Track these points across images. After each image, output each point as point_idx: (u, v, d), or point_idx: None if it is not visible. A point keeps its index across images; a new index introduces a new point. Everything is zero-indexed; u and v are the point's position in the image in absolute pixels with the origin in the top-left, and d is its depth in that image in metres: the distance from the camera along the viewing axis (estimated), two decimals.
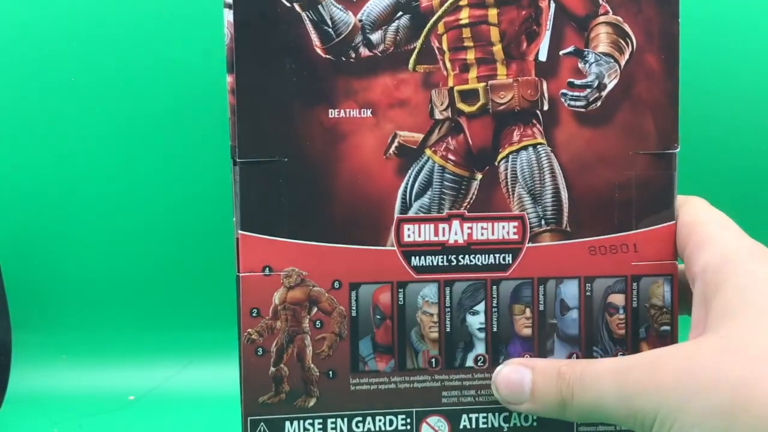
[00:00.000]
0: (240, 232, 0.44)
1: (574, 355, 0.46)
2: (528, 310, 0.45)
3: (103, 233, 0.65)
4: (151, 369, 0.66)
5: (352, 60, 0.44)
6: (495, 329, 0.45)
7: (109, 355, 0.66)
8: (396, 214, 0.44)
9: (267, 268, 0.44)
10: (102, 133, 0.63)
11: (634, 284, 0.45)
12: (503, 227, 0.45)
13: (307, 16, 0.43)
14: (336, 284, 0.44)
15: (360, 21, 0.44)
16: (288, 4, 0.43)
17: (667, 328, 0.46)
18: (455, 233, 0.45)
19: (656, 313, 0.45)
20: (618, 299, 0.46)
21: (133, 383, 0.65)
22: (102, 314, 0.66)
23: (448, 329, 0.45)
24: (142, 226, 0.64)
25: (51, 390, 0.66)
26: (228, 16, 0.43)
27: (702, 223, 0.43)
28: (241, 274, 0.44)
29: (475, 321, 0.45)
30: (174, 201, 0.62)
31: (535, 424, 0.46)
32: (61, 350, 0.66)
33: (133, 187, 0.63)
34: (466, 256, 0.45)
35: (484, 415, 0.46)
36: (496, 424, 0.46)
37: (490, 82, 0.44)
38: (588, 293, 0.45)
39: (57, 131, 0.64)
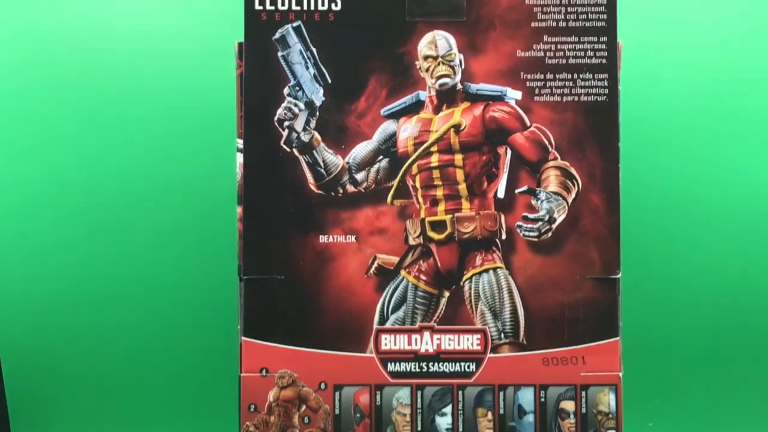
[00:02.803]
0: (243, 338, 0.51)
1: None
2: (490, 413, 0.51)
3: (118, 340, 0.70)
4: None
5: (340, 195, 0.52)
6: (461, 430, 0.51)
7: None
8: (375, 326, 0.52)
9: (264, 370, 0.51)
10: (119, 254, 0.70)
11: (583, 392, 0.51)
12: (468, 339, 0.52)
13: (304, 159, 0.52)
14: (322, 385, 0.51)
15: (347, 163, 0.52)
16: (288, 150, 0.52)
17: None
18: (426, 343, 0.52)
19: (603, 419, 0.51)
20: (569, 405, 0.51)
21: None
22: (110, 411, 0.70)
23: (419, 429, 0.51)
24: (156, 333, 0.70)
25: None
26: (239, 158, 0.52)
27: None
28: (242, 375, 0.51)
29: (443, 422, 0.52)
30: (186, 311, 0.70)
31: None
32: None
33: (151, 294, 0.70)
34: (436, 364, 0.52)
35: None
36: None
37: (456, 214, 0.52)
38: (542, 399, 0.51)
39: (71, 260, 0.70)
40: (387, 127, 0.52)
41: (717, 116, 0.69)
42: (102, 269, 0.70)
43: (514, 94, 0.52)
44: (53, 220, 0.70)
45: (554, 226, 0.51)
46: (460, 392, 0.51)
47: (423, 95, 0.52)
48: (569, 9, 0.52)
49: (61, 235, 0.69)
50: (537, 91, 0.52)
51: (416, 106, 0.53)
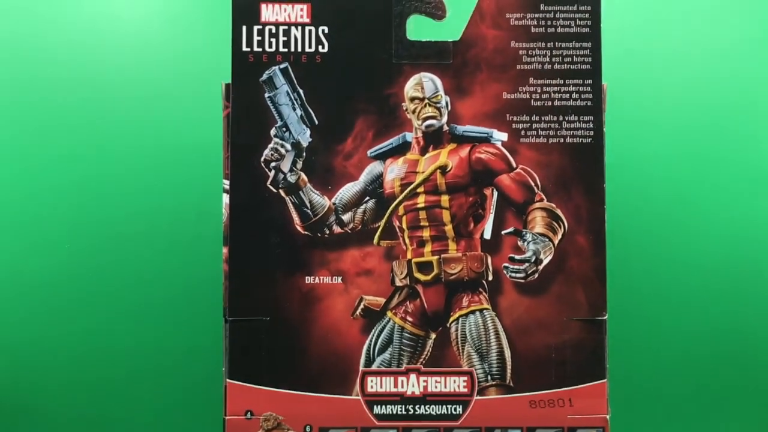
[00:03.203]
0: (228, 380, 0.51)
1: None
2: None
3: (102, 381, 0.70)
4: None
5: (326, 236, 0.52)
6: None
7: None
8: (361, 368, 0.51)
9: (249, 413, 0.51)
10: (104, 294, 0.70)
11: None
12: (454, 381, 0.51)
13: (290, 200, 0.52)
14: (308, 428, 0.51)
15: (334, 204, 0.52)
16: (274, 190, 0.52)
17: None
18: (413, 385, 0.51)
19: None
20: None
21: None
22: None
23: None
24: (140, 375, 0.70)
25: None
26: (225, 199, 0.52)
27: None
28: (227, 417, 0.51)
29: None
30: (170, 353, 0.69)
31: None
32: None
33: (136, 335, 0.69)
34: (422, 406, 0.51)
35: None
36: None
37: (442, 255, 0.52)
38: None
39: (55, 300, 0.69)
40: (373, 168, 0.53)
41: (702, 158, 0.70)
42: (86, 308, 0.69)
43: (500, 136, 0.52)
44: (39, 261, 0.69)
45: (541, 267, 0.51)
46: None
47: (409, 136, 0.53)
48: (554, 52, 0.52)
49: (45, 275, 0.69)
50: (523, 132, 0.52)
51: (403, 148, 0.53)
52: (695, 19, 0.72)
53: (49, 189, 0.70)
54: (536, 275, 0.51)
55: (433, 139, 0.53)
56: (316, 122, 0.52)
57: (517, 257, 0.51)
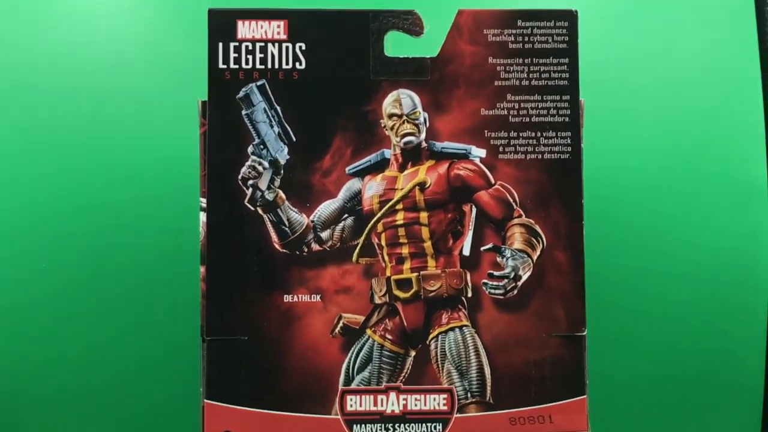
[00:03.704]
0: (206, 400, 0.50)
1: None
2: None
3: (80, 403, 0.69)
4: None
5: (304, 254, 0.52)
6: None
7: None
8: (340, 387, 0.51)
9: None
10: (82, 314, 0.69)
11: None
12: (434, 399, 0.51)
13: (268, 218, 0.51)
14: None
15: (312, 221, 0.52)
16: (252, 208, 0.51)
17: None
18: (392, 404, 0.51)
19: None
20: None
21: None
22: None
23: None
24: (117, 395, 0.69)
25: None
26: (202, 217, 0.51)
27: None
28: None
29: None
30: (147, 373, 0.69)
31: None
32: None
33: (113, 355, 0.69)
34: (402, 425, 0.51)
35: None
36: None
37: (421, 272, 0.52)
38: None
39: (31, 321, 0.69)
40: (352, 185, 0.52)
41: (680, 173, 0.71)
42: (61, 328, 0.68)
43: (478, 152, 0.52)
44: (15, 281, 0.68)
45: (520, 283, 0.51)
46: None
47: (388, 153, 0.53)
48: (532, 68, 0.53)
49: (22, 294, 0.68)
50: (501, 149, 0.52)
51: (381, 165, 0.53)
52: (671, 29, 0.73)
53: (25, 207, 0.69)
54: (515, 291, 0.51)
55: (412, 155, 0.53)
56: (294, 139, 0.52)
57: (496, 273, 0.51)
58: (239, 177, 0.51)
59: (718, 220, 0.71)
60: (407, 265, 0.52)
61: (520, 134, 0.52)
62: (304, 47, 0.52)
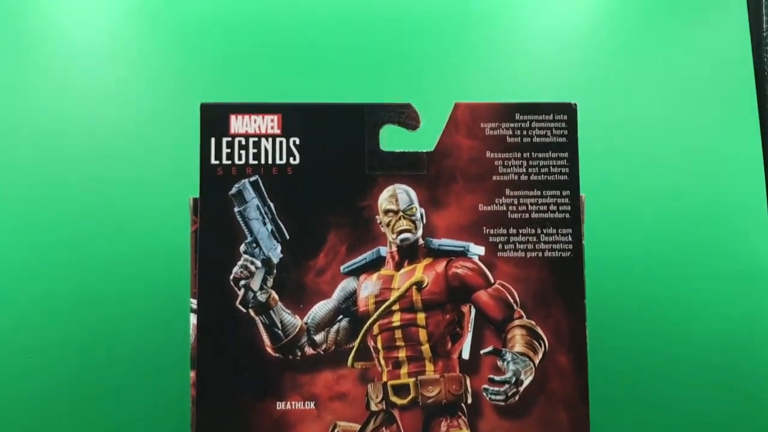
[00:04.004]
0: None
1: None
2: None
3: None
4: None
5: (298, 358, 0.50)
6: None
7: None
8: None
9: None
10: (69, 418, 0.67)
11: None
12: None
13: (261, 321, 0.50)
14: None
15: (306, 323, 0.50)
16: (244, 310, 0.50)
17: None
18: None
19: None
20: None
21: None
22: None
23: None
24: None
25: None
26: (193, 319, 0.50)
27: None
28: None
29: None
30: None
31: None
32: None
33: None
34: None
35: None
36: None
37: (419, 377, 0.50)
38: None
39: (26, 391, 0.67)
40: (347, 284, 0.51)
41: (682, 268, 0.69)
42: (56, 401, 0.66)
43: (477, 250, 0.51)
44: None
45: (521, 388, 0.49)
46: None
47: (384, 251, 0.51)
48: (531, 162, 0.51)
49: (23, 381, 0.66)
50: (500, 246, 0.51)
51: (377, 263, 0.51)
52: (670, 121, 0.72)
53: (15, 303, 0.67)
54: (517, 397, 0.49)
55: (409, 253, 0.51)
56: (287, 237, 0.50)
57: (496, 378, 0.49)
58: (231, 277, 0.50)
59: (723, 312, 0.69)
60: (404, 370, 0.50)
61: (520, 231, 0.51)
62: (298, 142, 0.51)
